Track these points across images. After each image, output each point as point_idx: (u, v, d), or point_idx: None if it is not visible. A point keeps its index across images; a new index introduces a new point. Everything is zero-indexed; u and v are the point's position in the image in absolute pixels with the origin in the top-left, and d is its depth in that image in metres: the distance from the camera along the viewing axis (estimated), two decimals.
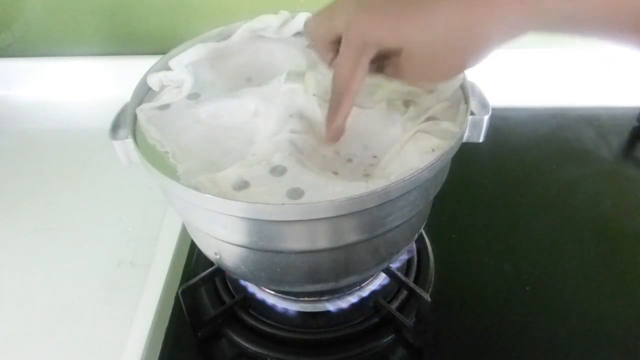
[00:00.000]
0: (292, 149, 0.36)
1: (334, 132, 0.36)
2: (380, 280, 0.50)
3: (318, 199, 0.32)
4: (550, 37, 0.28)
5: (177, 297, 0.49)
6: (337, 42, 0.34)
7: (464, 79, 0.40)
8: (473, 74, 0.36)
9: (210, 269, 0.47)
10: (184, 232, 0.55)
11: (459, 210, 0.58)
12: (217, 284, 0.50)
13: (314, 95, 0.39)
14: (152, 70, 0.44)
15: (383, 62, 0.33)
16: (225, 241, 0.37)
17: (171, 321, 0.49)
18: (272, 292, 0.49)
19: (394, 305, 0.47)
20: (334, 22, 0.33)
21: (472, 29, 0.28)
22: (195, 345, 0.47)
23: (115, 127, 0.39)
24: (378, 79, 0.36)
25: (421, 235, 0.53)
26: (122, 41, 0.78)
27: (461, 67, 0.31)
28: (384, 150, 0.36)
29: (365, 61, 0.32)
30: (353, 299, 0.48)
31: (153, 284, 0.50)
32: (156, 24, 0.76)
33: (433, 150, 0.34)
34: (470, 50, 0.29)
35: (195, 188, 0.32)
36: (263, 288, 0.49)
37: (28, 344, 0.48)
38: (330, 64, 0.35)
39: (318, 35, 0.35)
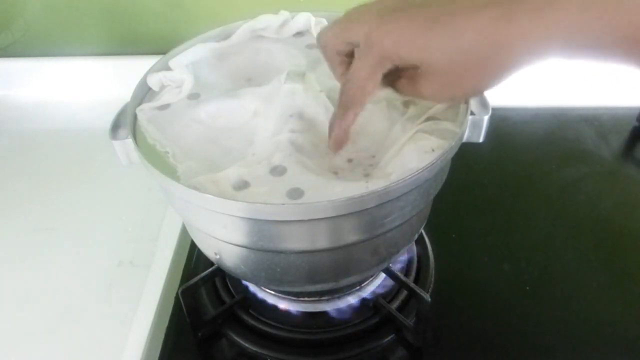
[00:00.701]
0: (292, 149, 0.36)
1: (337, 140, 0.36)
2: (380, 280, 0.50)
3: (318, 199, 0.32)
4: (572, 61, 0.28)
5: (177, 297, 0.49)
6: (350, 55, 0.34)
7: None
8: None
9: (210, 269, 0.47)
10: (184, 232, 0.55)
11: (459, 210, 0.58)
12: (217, 284, 0.50)
13: (320, 91, 0.39)
14: (152, 70, 0.44)
15: (396, 75, 0.33)
16: (225, 241, 0.37)
17: (171, 321, 0.49)
18: (272, 292, 0.49)
19: (394, 305, 0.47)
20: (351, 32, 0.32)
21: (497, 49, 0.28)
22: (195, 345, 0.47)
23: (115, 127, 0.39)
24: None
25: (421, 235, 0.53)
26: (122, 41, 0.78)
27: (481, 88, 0.31)
28: (384, 150, 0.36)
29: (380, 74, 0.32)
30: (353, 299, 0.48)
31: (153, 284, 0.50)
32: (156, 24, 0.76)
33: (433, 150, 0.34)
34: (492, 70, 0.29)
35: (195, 188, 0.32)
36: (263, 288, 0.49)
37: (28, 344, 0.48)
38: (341, 76, 0.35)
39: (332, 46, 0.34)
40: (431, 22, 0.29)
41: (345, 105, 0.34)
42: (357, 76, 0.33)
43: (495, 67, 0.29)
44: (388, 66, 0.31)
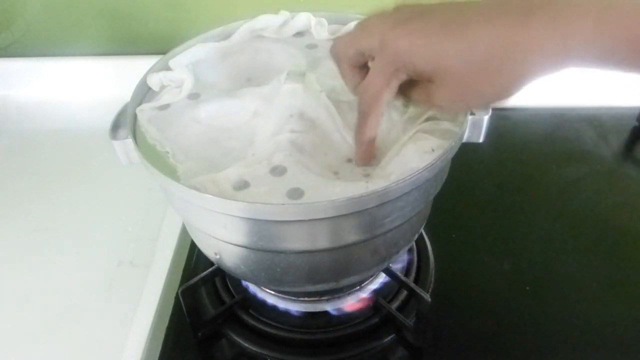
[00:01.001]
0: (292, 149, 0.36)
1: (363, 153, 0.36)
2: (381, 280, 0.49)
3: (318, 199, 0.32)
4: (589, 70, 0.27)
5: (177, 297, 0.49)
6: (364, 67, 0.34)
7: None
8: None
9: (210, 269, 0.47)
10: (184, 232, 0.55)
11: (459, 210, 0.58)
12: (217, 284, 0.50)
13: (321, 91, 0.39)
14: (152, 70, 0.44)
15: (410, 86, 0.33)
16: (225, 241, 0.37)
17: (171, 321, 0.49)
18: (272, 292, 0.49)
19: (394, 305, 0.47)
20: (365, 41, 0.32)
21: (512, 57, 0.27)
22: (195, 345, 0.47)
23: (115, 127, 0.39)
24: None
25: (421, 235, 0.53)
26: (122, 41, 0.78)
27: (495, 97, 0.30)
28: (384, 151, 0.36)
29: (395, 84, 0.32)
30: (353, 299, 0.48)
31: (153, 284, 0.50)
32: (156, 24, 0.76)
33: (433, 150, 0.34)
34: (506, 79, 0.29)
35: (195, 188, 0.32)
36: (263, 288, 0.49)
37: (28, 344, 0.48)
38: (355, 88, 0.34)
39: (346, 57, 0.34)
40: (446, 28, 0.29)
41: (364, 115, 0.34)
42: (372, 85, 0.32)
43: (509, 75, 0.28)
44: (403, 77, 0.31)
